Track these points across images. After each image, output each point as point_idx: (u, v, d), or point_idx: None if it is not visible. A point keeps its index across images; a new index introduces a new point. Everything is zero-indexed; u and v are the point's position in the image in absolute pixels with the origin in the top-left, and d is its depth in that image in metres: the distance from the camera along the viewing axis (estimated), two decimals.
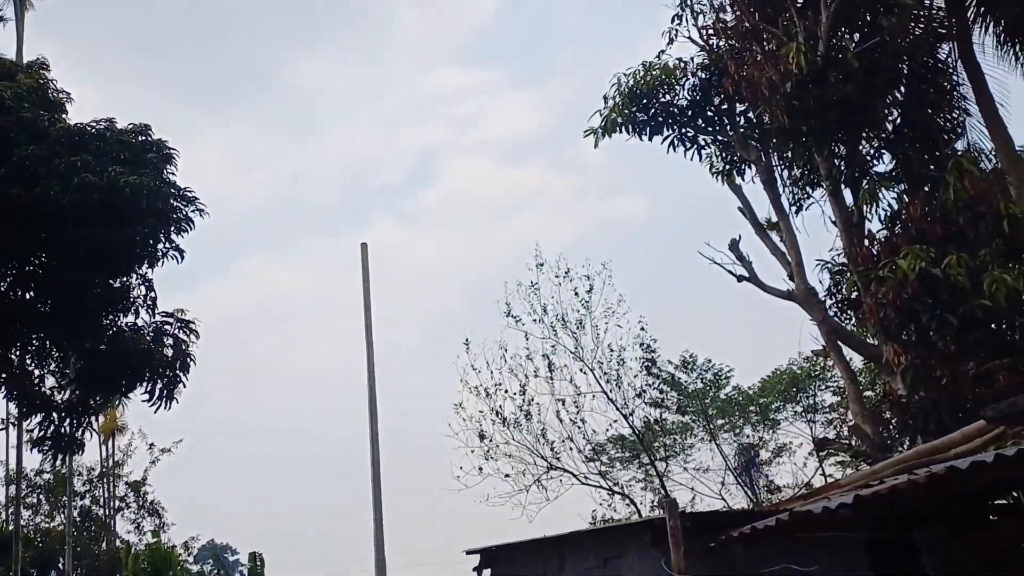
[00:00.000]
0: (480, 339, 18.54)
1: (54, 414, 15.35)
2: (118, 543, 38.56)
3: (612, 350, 18.60)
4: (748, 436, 33.32)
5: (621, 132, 19.05)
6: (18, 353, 16.83)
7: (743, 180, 19.84)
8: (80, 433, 15.04)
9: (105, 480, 40.69)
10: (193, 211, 16.53)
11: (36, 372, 17.10)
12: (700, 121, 19.12)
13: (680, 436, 30.43)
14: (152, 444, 40.83)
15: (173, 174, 16.50)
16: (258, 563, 32.15)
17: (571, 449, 17.62)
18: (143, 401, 16.25)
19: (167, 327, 16.07)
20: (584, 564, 10.42)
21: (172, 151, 16.51)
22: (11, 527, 35.77)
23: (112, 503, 40.38)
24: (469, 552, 12.51)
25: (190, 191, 16.46)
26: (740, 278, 18.08)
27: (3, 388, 16.65)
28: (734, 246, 18.28)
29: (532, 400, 17.58)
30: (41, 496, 39.16)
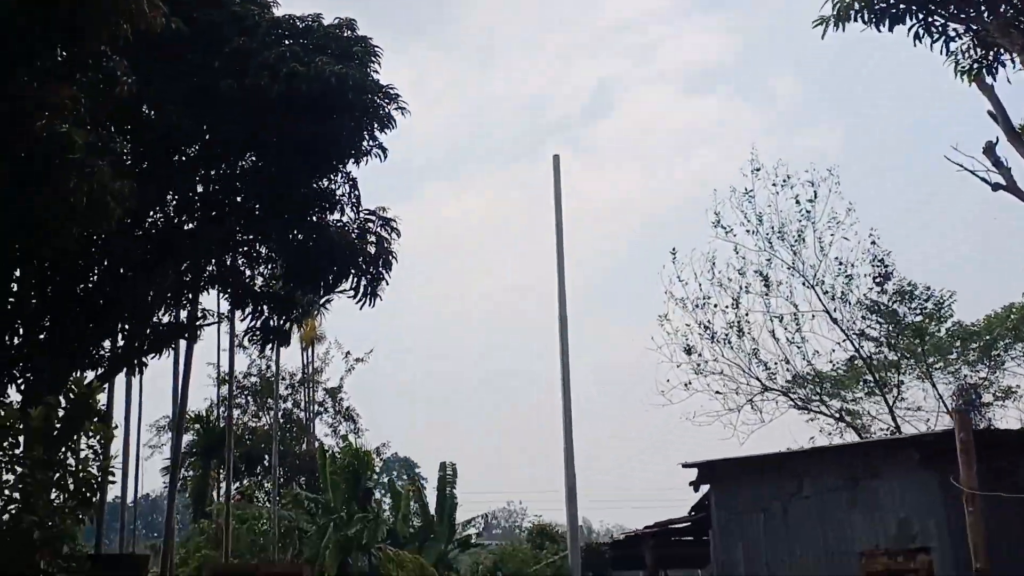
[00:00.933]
0: (686, 250, 17.30)
1: (263, 306, 15.57)
2: (316, 445, 40.49)
3: (840, 263, 16.69)
4: (967, 376, 30.34)
5: (856, 20, 16.96)
6: (230, 253, 17.22)
7: (994, 80, 17.35)
8: (287, 326, 15.15)
9: (305, 386, 42.69)
10: (395, 109, 16.09)
11: (247, 272, 17.50)
12: (952, 6, 16.70)
13: (888, 371, 28.07)
14: (348, 353, 42.33)
15: (376, 71, 16.08)
16: (448, 472, 32.46)
17: (788, 371, 16.14)
18: (349, 297, 16.26)
19: (370, 224, 15.87)
20: (828, 485, 9.26)
21: (376, 47, 16.03)
22: (223, 425, 38.49)
23: (311, 407, 42.38)
24: (686, 465, 11.61)
25: (393, 88, 15.99)
26: (996, 186, 15.78)
27: (217, 286, 17.07)
28: (990, 150, 15.92)
29: (747, 315, 16.19)
30: (249, 397, 41.55)
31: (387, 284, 16.20)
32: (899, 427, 18.56)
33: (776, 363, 16.51)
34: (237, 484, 37.45)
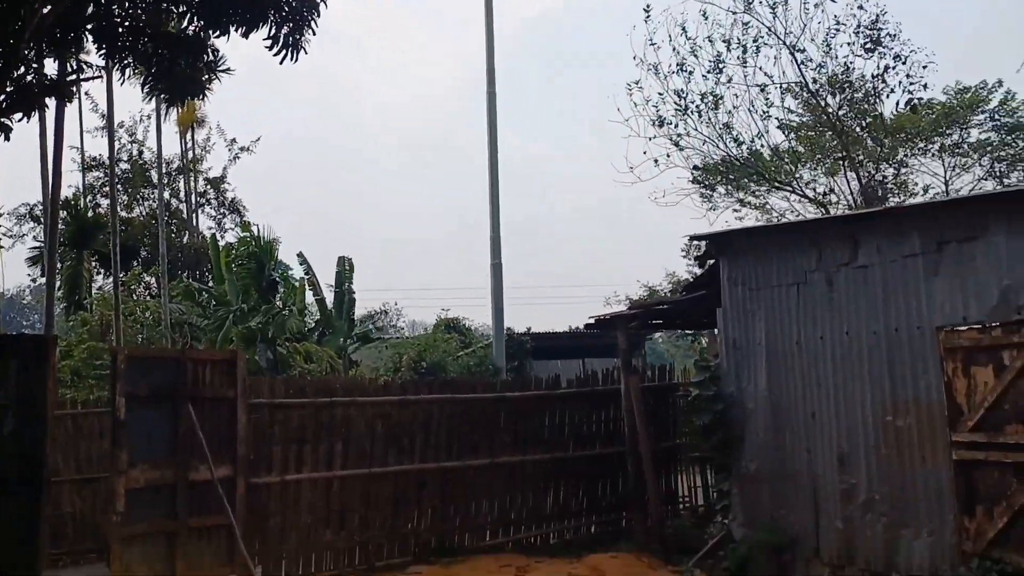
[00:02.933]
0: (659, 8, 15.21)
1: (163, 51, 12.64)
2: (199, 237, 37.62)
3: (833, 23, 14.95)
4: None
5: None
6: None
7: None
8: (204, 77, 12.40)
9: (184, 175, 39.16)
10: None
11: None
12: None
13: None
14: (233, 140, 38.82)
15: None
16: (346, 268, 30.66)
17: (763, 147, 14.74)
18: (266, 47, 13.47)
19: None
20: (898, 251, 7.93)
21: None
22: (93, 213, 34.90)
23: (192, 198, 39.09)
24: (694, 238, 10.16)
25: None
26: None
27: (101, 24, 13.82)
28: None
29: (730, 80, 14.46)
30: (120, 186, 37.77)
31: (314, 34, 13.49)
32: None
33: (753, 139, 15.06)
34: (111, 277, 34.55)
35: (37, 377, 8.48)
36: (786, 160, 17.78)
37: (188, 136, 39.14)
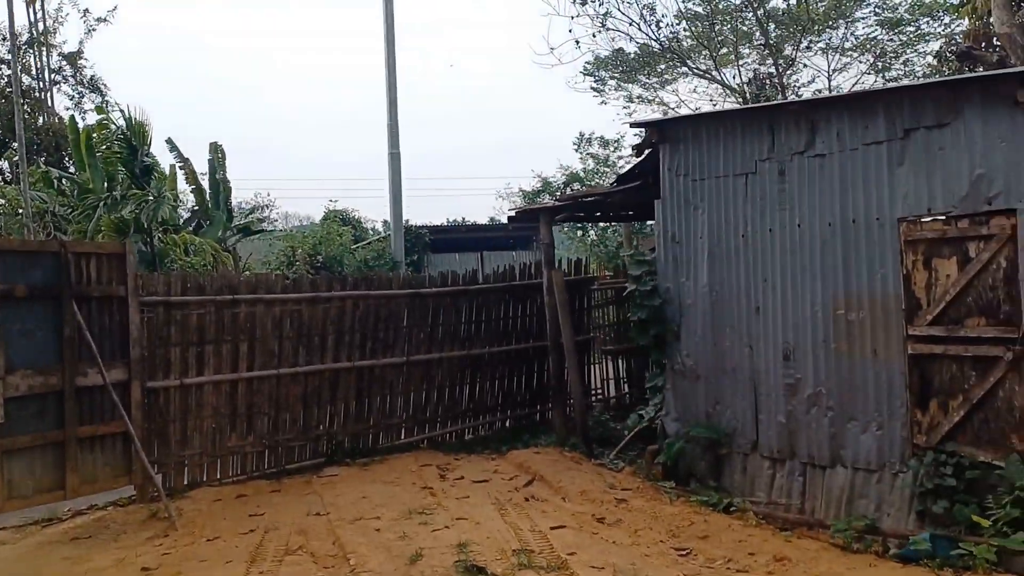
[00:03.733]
0: None
1: None
2: (56, 119, 34.44)
3: None
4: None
5: None
6: None
7: None
8: None
9: (34, 49, 35.49)
10: None
11: None
12: None
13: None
14: (87, 11, 35.28)
15: None
16: (219, 154, 28.82)
17: (684, 32, 14.03)
18: None
19: None
20: (859, 138, 7.54)
21: None
22: None
23: (45, 75, 35.56)
24: (634, 125, 9.54)
25: None
26: None
27: None
28: None
29: None
30: None
31: None
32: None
33: (671, 22, 14.31)
34: None
35: None
36: (705, 45, 17.25)
37: (36, 5, 35.30)
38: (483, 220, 28.79)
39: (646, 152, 9.68)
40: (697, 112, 9.50)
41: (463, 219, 36.68)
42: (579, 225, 29.63)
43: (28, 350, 8.70)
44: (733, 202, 8.76)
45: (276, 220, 46.27)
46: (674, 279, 9.45)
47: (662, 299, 9.48)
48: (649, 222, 13.40)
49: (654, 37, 14.09)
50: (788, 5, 27.03)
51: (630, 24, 13.78)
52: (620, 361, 14.52)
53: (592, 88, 36.04)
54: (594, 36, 13.79)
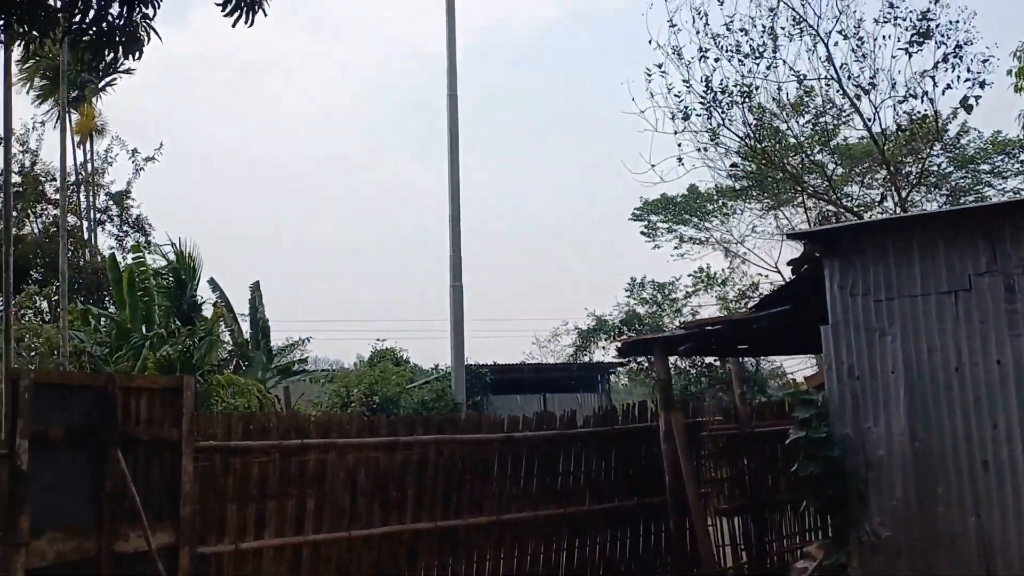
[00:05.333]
0: None
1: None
2: (99, 258, 33.77)
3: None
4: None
5: None
6: None
7: None
8: (138, 26, 9.64)
9: (83, 188, 35.32)
10: None
11: None
12: None
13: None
14: (135, 151, 35.17)
15: None
16: (258, 293, 27.79)
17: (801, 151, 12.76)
18: (217, 5, 10.85)
19: None
20: None
21: None
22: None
23: (92, 215, 35.21)
24: (791, 236, 8.04)
25: None
26: None
27: None
28: None
29: (770, 66, 12.41)
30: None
31: None
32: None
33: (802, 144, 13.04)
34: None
35: None
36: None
37: (86, 145, 35.38)
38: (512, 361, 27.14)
39: (803, 269, 8.07)
40: (879, 219, 8.02)
41: (524, 360, 35.10)
42: (638, 360, 27.91)
43: (60, 507, 7.02)
44: (939, 327, 7.06)
45: (307, 363, 44.81)
46: (854, 424, 7.62)
47: (840, 450, 7.63)
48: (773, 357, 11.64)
49: (772, 151, 12.92)
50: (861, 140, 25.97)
51: (742, 140, 12.67)
52: (736, 523, 12.44)
53: (642, 232, 35.11)
54: (702, 151, 12.74)
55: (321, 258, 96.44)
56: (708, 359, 26.48)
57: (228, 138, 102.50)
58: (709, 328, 9.41)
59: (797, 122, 17.07)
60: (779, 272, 30.96)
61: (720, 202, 33.12)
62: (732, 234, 32.17)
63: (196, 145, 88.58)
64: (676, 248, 33.71)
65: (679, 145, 12.35)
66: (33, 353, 22.02)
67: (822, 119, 17.35)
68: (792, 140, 15.35)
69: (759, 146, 12.68)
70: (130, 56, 10.92)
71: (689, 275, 31.85)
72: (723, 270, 31.47)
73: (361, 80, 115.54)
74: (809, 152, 17.63)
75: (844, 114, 13.47)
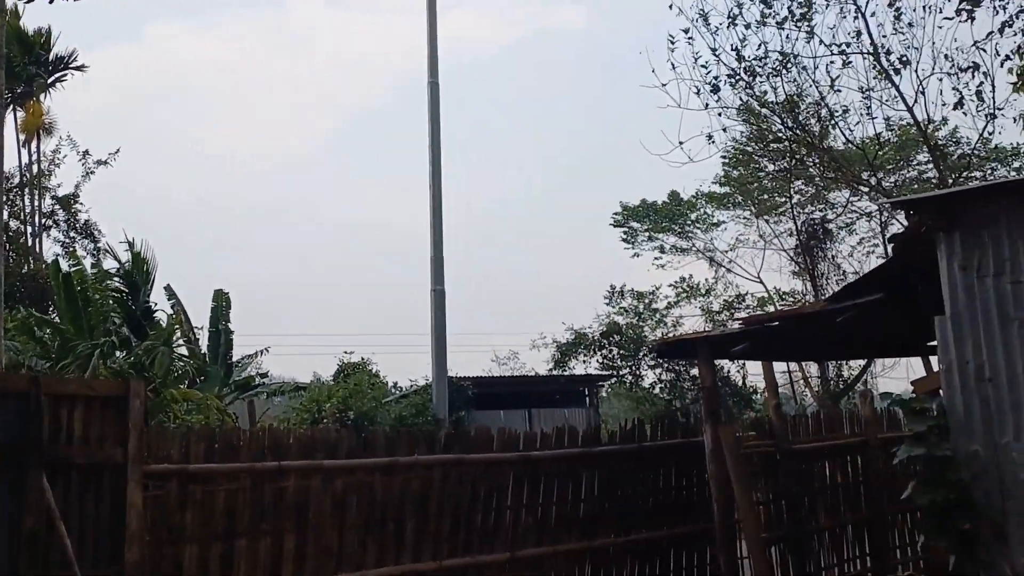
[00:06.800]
0: None
1: None
2: (44, 265, 31.39)
3: None
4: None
5: None
6: None
7: None
8: None
9: (27, 190, 32.93)
10: None
11: None
12: None
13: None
14: (86, 152, 32.92)
15: None
16: (223, 304, 25.81)
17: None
18: None
19: None
20: None
21: None
22: None
23: (36, 219, 32.82)
24: (895, 204, 6.35)
25: None
26: None
27: None
28: None
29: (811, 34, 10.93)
30: None
31: None
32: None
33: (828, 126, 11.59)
34: None
35: None
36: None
37: (32, 144, 33.03)
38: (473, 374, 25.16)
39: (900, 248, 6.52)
40: (1012, 179, 6.54)
41: (510, 372, 33.28)
42: (621, 375, 26.23)
43: None
44: None
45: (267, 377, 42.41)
46: (985, 439, 6.07)
47: (971, 471, 6.07)
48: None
49: (790, 126, 11.50)
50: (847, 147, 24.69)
51: (780, 117, 11.26)
52: (775, 553, 10.87)
53: (622, 239, 33.57)
54: (710, 138, 11.33)
55: (281, 270, 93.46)
56: (694, 370, 24.79)
57: (195, 141, 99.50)
58: (773, 324, 7.82)
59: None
60: (761, 282, 29.66)
61: (703, 210, 31.83)
62: (714, 244, 30.86)
63: (161, 148, 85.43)
64: (656, 259, 32.31)
65: (720, 114, 10.86)
66: None
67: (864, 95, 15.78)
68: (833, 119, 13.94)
69: (800, 122, 11.23)
70: None
71: (670, 285, 30.38)
72: (707, 280, 30.04)
73: (320, 91, 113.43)
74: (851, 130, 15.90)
75: (880, 90, 12.17)
